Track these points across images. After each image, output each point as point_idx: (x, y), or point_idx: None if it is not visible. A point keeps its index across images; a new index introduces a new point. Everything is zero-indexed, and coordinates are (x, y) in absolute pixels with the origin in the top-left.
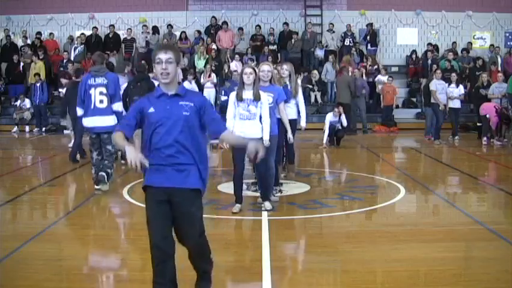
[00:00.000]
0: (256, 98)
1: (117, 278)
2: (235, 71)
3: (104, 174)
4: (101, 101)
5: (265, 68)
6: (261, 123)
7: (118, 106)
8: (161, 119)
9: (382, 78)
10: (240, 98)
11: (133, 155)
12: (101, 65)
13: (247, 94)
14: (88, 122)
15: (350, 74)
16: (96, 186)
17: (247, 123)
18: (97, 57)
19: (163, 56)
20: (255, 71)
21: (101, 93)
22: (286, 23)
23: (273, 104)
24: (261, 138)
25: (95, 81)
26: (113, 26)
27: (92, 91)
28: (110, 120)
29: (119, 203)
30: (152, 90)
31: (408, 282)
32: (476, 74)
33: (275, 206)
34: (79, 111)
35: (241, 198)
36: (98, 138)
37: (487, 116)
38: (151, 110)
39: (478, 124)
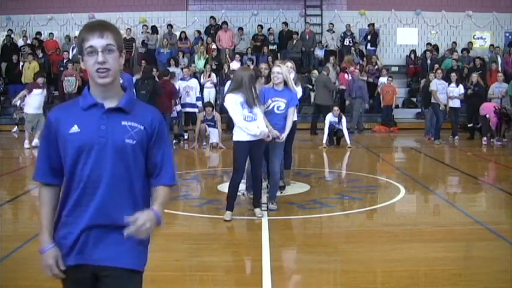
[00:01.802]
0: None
1: None
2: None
3: None
4: None
5: (276, 69)
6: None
7: None
8: (89, 145)
9: (382, 79)
10: (250, 105)
11: (47, 261)
12: None
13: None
14: None
15: (329, 74)
16: None
17: (254, 124)
18: None
19: (97, 41)
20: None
21: None
22: (285, 23)
23: (284, 110)
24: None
25: None
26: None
27: None
28: None
29: None
30: (157, 90)
31: (408, 282)
32: (472, 74)
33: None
34: None
35: (233, 206)
36: None
37: (487, 116)
38: (74, 129)
39: (469, 125)
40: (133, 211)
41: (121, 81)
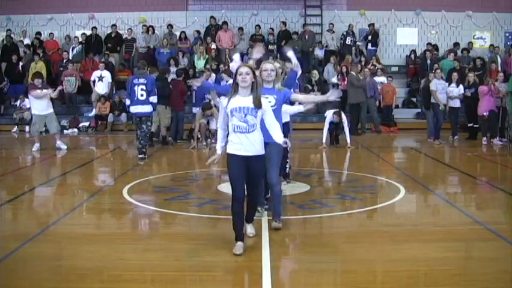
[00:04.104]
0: (257, 106)
1: (117, 278)
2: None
3: (142, 151)
4: (141, 95)
5: (268, 66)
6: (263, 131)
7: (153, 99)
8: None
9: (380, 79)
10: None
11: None
12: (143, 70)
13: (245, 101)
14: (133, 109)
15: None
16: (139, 155)
17: (245, 137)
18: (141, 64)
19: None
20: (253, 71)
21: (142, 89)
22: (283, 22)
23: (276, 106)
24: (263, 156)
25: (138, 80)
26: (115, 25)
27: (136, 88)
28: (147, 108)
29: (119, 203)
30: (165, 88)
31: (408, 282)
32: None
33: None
34: (127, 101)
35: (243, 235)
36: (140, 120)
37: (485, 114)
38: None
39: (469, 125)
40: None
41: (145, 82)
